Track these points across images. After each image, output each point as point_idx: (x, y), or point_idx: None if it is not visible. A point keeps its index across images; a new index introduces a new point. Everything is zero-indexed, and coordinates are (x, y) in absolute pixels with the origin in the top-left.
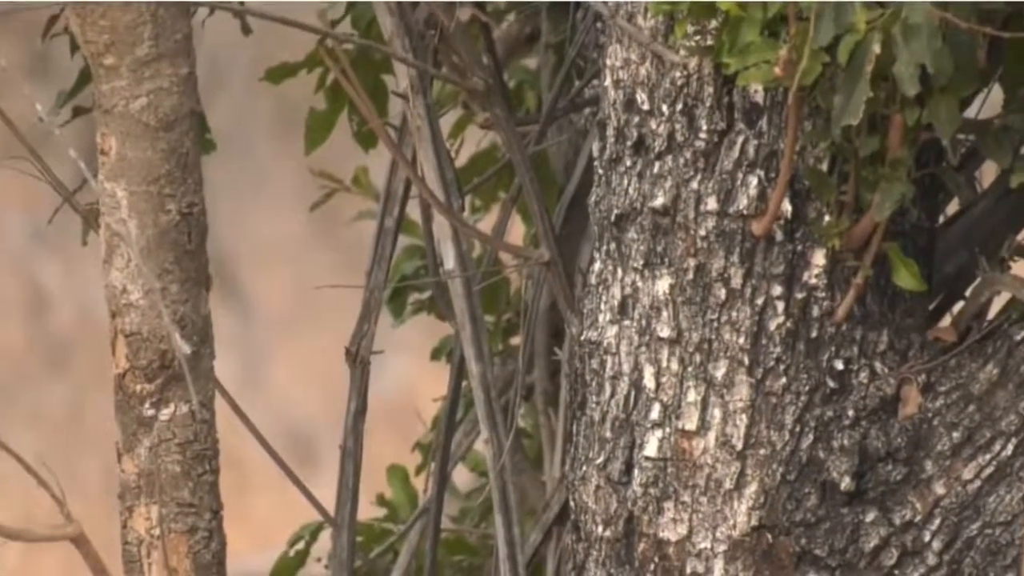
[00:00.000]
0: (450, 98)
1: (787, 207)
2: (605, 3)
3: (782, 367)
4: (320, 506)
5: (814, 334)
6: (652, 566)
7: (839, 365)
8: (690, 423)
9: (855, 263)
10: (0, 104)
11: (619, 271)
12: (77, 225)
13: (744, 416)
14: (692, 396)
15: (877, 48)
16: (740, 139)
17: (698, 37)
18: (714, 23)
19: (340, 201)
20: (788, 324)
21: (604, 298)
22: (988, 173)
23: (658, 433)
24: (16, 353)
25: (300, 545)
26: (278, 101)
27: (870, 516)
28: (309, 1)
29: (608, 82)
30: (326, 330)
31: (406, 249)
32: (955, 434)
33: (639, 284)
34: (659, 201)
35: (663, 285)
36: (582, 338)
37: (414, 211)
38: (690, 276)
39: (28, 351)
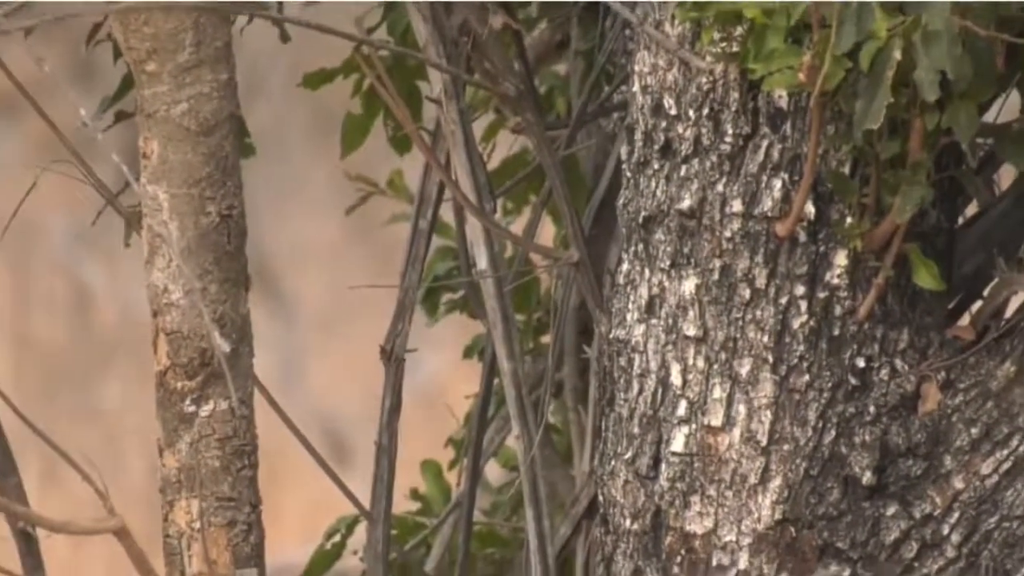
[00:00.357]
0: (482, 103)
1: (810, 209)
2: (634, 11)
3: (805, 365)
4: (356, 500)
5: (836, 332)
6: (679, 558)
7: (861, 363)
8: (716, 419)
9: (876, 263)
10: (46, 109)
11: (646, 271)
12: (120, 227)
13: (768, 412)
14: (717, 393)
15: (898, 54)
16: (764, 143)
17: (724, 44)
18: (739, 30)
19: (375, 204)
20: (811, 323)
21: (632, 298)
22: (1006, 176)
23: (684, 429)
24: (61, 351)
25: (336, 538)
26: (315, 106)
27: (891, 510)
28: (346, 3)
29: (636, 87)
30: (362, 329)
31: (439, 250)
32: (973, 430)
33: (666, 284)
34: (685, 203)
35: (689, 285)
36: (610, 336)
37: (447, 213)
38: (715, 276)
39: (72, 349)
